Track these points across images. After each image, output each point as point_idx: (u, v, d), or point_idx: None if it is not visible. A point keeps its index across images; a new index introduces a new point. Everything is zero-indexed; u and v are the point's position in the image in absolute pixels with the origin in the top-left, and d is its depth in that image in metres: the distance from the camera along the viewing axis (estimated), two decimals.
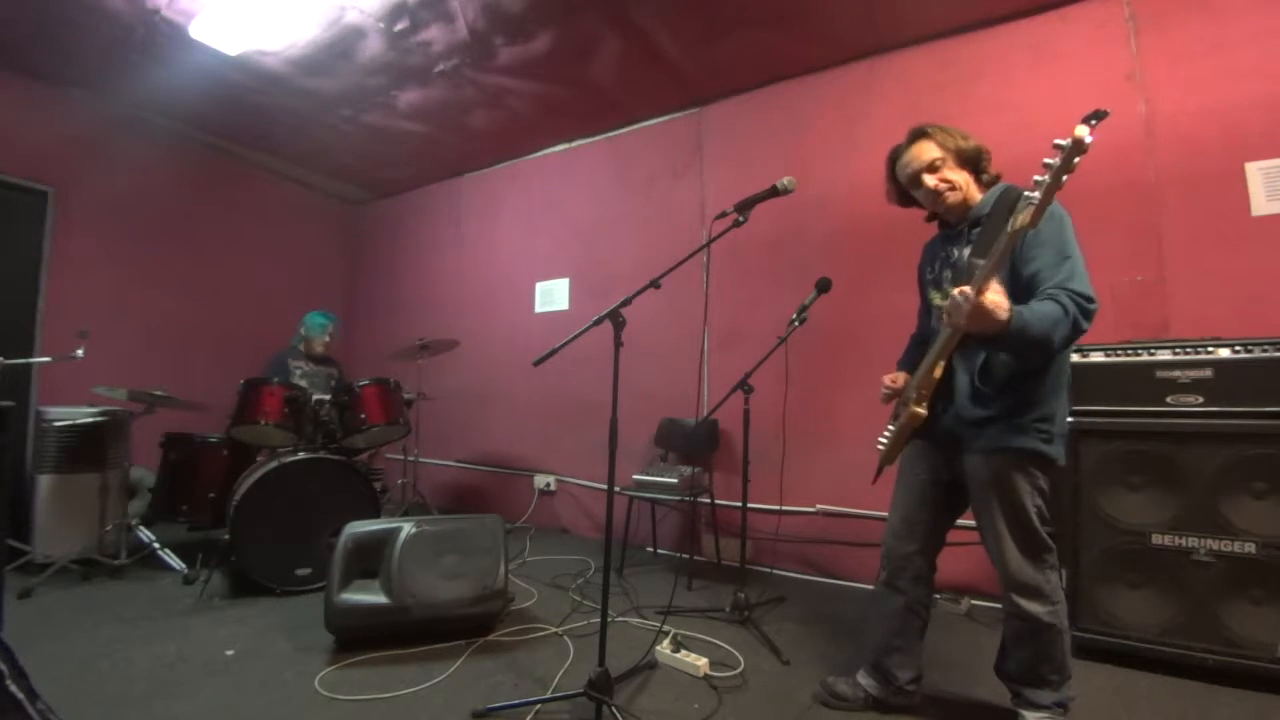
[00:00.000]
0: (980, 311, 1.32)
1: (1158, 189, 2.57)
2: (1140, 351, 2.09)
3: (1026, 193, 1.23)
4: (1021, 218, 1.24)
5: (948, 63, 3.06)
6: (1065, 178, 1.19)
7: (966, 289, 1.32)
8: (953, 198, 1.63)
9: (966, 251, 1.59)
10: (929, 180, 1.63)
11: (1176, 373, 2.02)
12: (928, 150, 1.64)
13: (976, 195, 1.64)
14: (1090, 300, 1.40)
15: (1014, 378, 1.51)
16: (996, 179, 1.66)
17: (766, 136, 3.59)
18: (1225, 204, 2.44)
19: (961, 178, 1.63)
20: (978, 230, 1.58)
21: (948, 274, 1.69)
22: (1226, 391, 1.94)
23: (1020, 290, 1.49)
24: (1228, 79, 2.46)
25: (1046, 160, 1.19)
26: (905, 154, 1.69)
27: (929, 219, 1.79)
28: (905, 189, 1.72)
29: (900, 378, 1.80)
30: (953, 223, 1.69)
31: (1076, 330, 1.39)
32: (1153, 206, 2.57)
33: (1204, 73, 2.51)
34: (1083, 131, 1.14)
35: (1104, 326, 2.50)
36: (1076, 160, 1.16)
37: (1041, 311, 1.37)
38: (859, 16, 2.99)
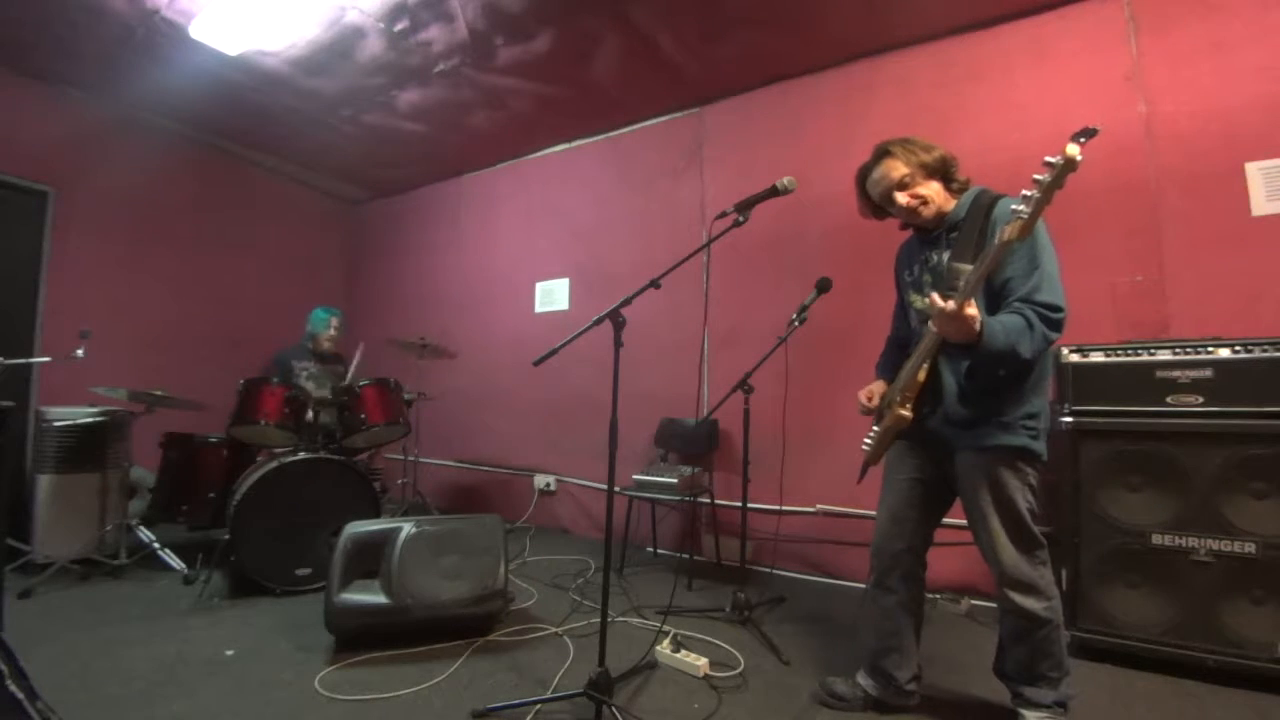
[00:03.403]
0: (960, 322, 1.37)
1: (1158, 189, 2.57)
2: (1140, 351, 2.09)
3: (1014, 206, 1.26)
4: (1009, 230, 1.27)
5: (948, 63, 3.06)
6: (1055, 194, 1.21)
7: (950, 304, 1.35)
8: (926, 211, 1.66)
9: (946, 255, 1.62)
10: (901, 198, 1.66)
11: (1176, 373, 2.02)
12: (894, 168, 1.66)
13: (950, 203, 1.67)
14: (1056, 310, 1.44)
15: (1000, 378, 1.53)
16: (966, 184, 1.69)
17: (766, 136, 3.59)
18: (1225, 204, 2.44)
19: (932, 189, 1.66)
20: (954, 234, 1.61)
21: (927, 277, 1.71)
22: (1226, 391, 1.94)
23: (994, 296, 1.54)
24: (1228, 79, 2.46)
25: (1036, 176, 1.21)
26: (874, 172, 1.72)
27: (904, 227, 1.83)
28: (877, 203, 1.75)
29: (876, 392, 1.83)
30: (930, 228, 1.71)
31: (1045, 341, 1.44)
32: (1153, 206, 2.57)
33: (1204, 73, 2.51)
34: (1074, 150, 1.16)
35: (1104, 326, 2.51)
36: (1067, 177, 1.18)
37: (1008, 325, 1.42)
38: (859, 17, 2.99)
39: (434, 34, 3.22)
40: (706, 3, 2.92)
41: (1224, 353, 1.97)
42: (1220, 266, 2.42)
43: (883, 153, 1.70)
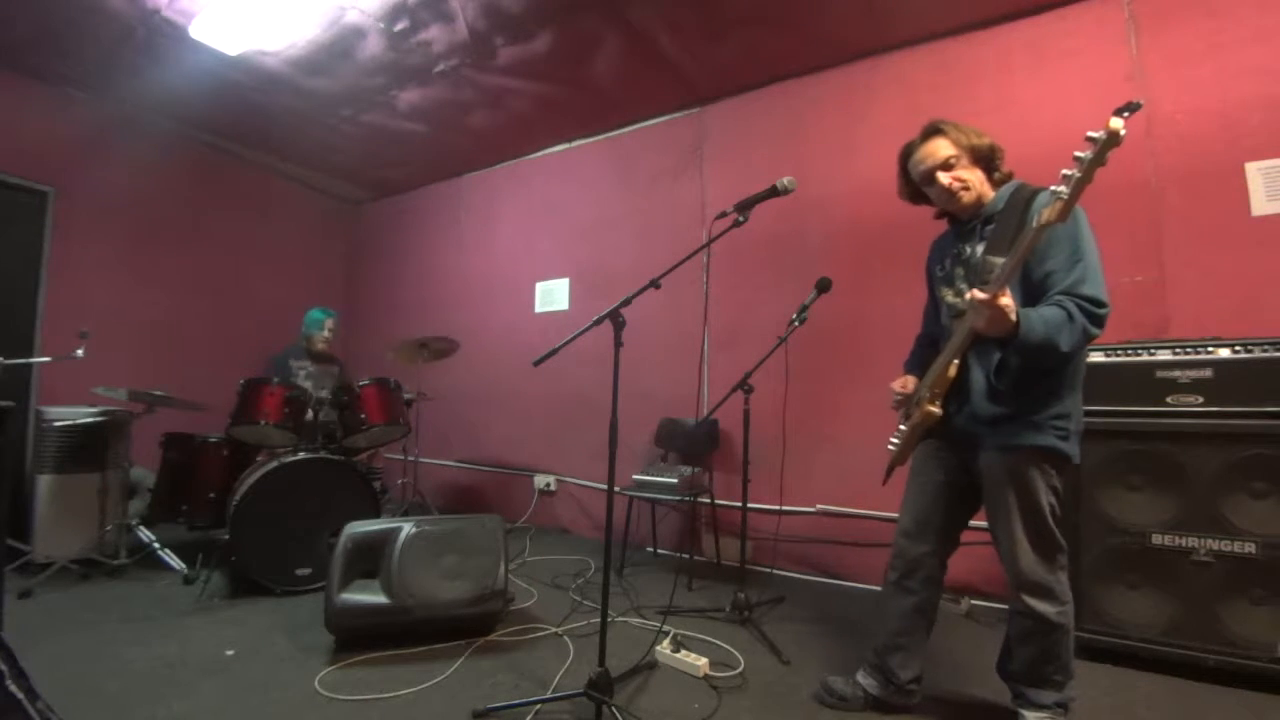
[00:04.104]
0: (994, 311, 1.33)
1: (1158, 189, 2.57)
2: (1140, 351, 2.09)
3: (1054, 188, 1.22)
4: (1047, 213, 1.23)
5: (948, 63, 3.06)
6: (1096, 172, 1.17)
7: (981, 295, 1.32)
8: (966, 197, 1.62)
9: (980, 248, 1.58)
10: (943, 178, 1.62)
11: (1176, 373, 2.02)
12: (942, 148, 1.62)
13: (989, 193, 1.63)
14: (1100, 305, 1.40)
15: (1030, 375, 1.50)
16: (1009, 177, 1.65)
17: (766, 136, 3.59)
18: (1225, 204, 2.44)
19: (975, 176, 1.62)
20: (990, 227, 1.57)
21: (960, 271, 1.67)
22: (1226, 391, 1.94)
23: (1033, 290, 1.49)
24: (1228, 79, 2.46)
25: (1077, 154, 1.17)
26: (919, 150, 1.67)
27: (938, 216, 1.78)
28: (917, 186, 1.71)
29: (909, 382, 1.78)
30: (964, 219, 1.68)
31: (1086, 336, 1.39)
32: (1153, 206, 2.57)
33: (1204, 73, 2.51)
34: (1118, 124, 1.13)
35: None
36: (1109, 153, 1.15)
37: (1047, 317, 1.37)
38: (859, 17, 2.99)
39: (434, 34, 3.22)
40: (706, 3, 2.92)
41: (1224, 353, 1.97)
42: (1220, 266, 2.42)
43: (933, 130, 1.65)
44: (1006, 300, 1.33)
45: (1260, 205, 2.38)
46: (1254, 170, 2.40)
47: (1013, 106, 2.86)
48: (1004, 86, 2.91)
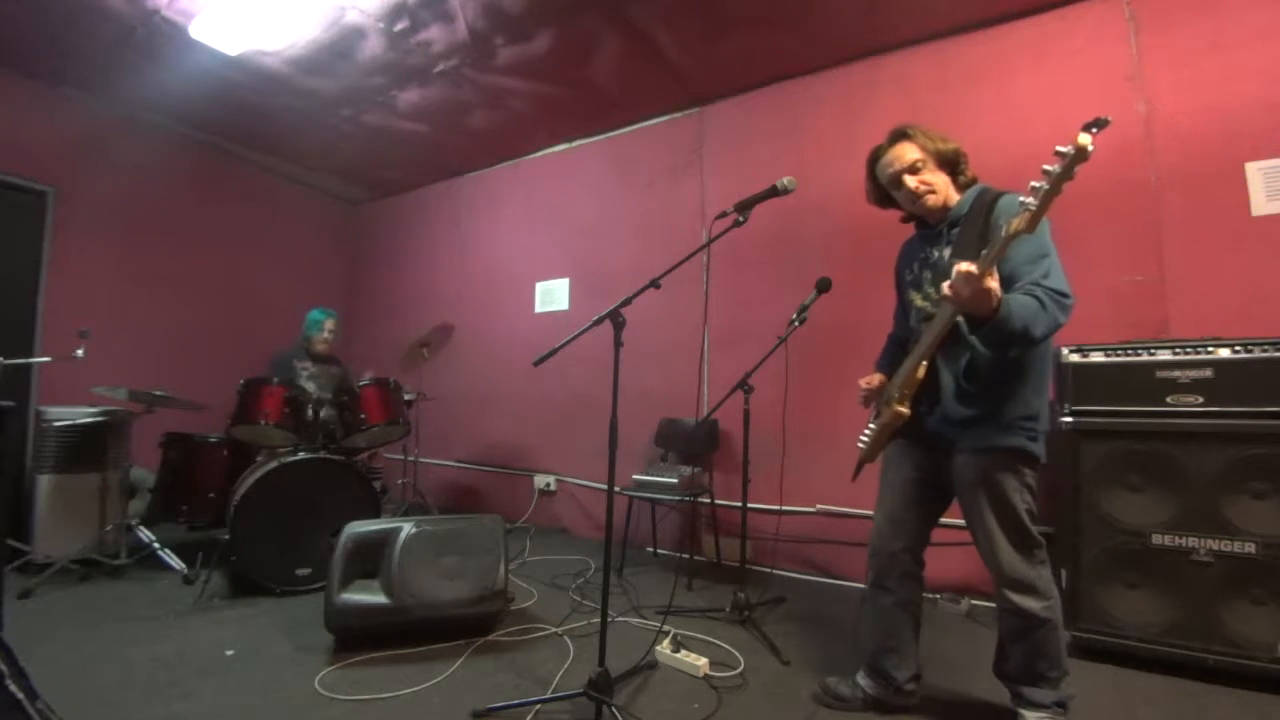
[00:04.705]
0: (981, 291, 1.31)
1: (1158, 189, 2.57)
2: (1140, 351, 2.09)
3: (1022, 199, 1.24)
4: (1016, 222, 1.26)
5: (948, 63, 3.06)
6: (1065, 185, 1.19)
7: (972, 267, 1.30)
8: (932, 200, 1.65)
9: (947, 252, 1.61)
10: (910, 182, 1.65)
11: (1176, 373, 2.02)
12: (909, 151, 1.66)
13: (954, 197, 1.67)
14: (1066, 295, 1.42)
15: (999, 377, 1.52)
16: (973, 181, 1.68)
17: (766, 136, 3.59)
18: (1225, 204, 2.44)
19: (940, 180, 1.66)
20: (956, 231, 1.60)
21: (928, 274, 1.70)
22: (1226, 391, 1.94)
23: (999, 286, 1.50)
24: (1228, 79, 2.46)
25: (1046, 167, 1.19)
26: (886, 154, 1.71)
27: (905, 220, 1.81)
28: (885, 189, 1.74)
29: (876, 379, 1.81)
30: (931, 223, 1.71)
31: (1054, 324, 1.41)
32: (1153, 206, 2.57)
33: (1204, 73, 2.51)
34: (1085, 140, 1.15)
35: (1104, 326, 2.51)
36: (1077, 168, 1.17)
37: (1022, 303, 1.39)
38: (859, 17, 2.99)
39: (434, 34, 3.22)
40: (706, 3, 2.92)
41: (1224, 353, 1.97)
42: (1220, 266, 2.42)
43: (900, 135, 1.68)
44: (992, 283, 1.32)
45: (1260, 205, 2.38)
46: (1254, 170, 2.40)
47: (1013, 106, 2.86)
48: (1004, 86, 2.91)
